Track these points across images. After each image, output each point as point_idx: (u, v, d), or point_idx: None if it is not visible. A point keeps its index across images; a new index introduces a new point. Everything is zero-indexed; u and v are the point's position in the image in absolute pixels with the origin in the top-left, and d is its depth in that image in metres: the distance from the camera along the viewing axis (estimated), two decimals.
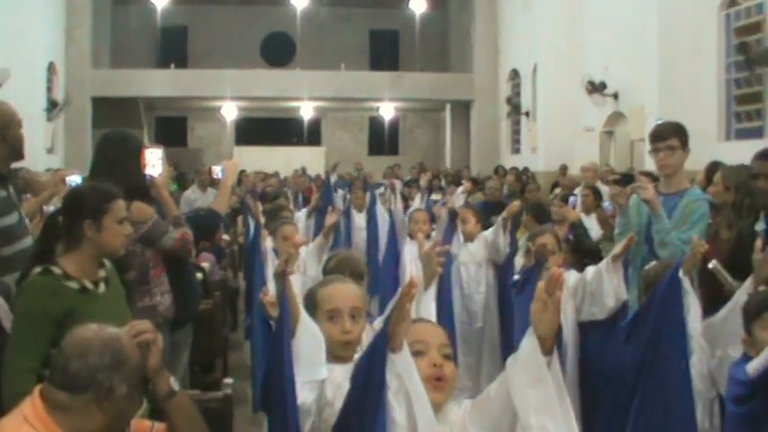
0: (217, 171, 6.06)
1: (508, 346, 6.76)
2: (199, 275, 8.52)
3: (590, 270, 5.28)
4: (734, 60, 14.58)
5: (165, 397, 3.05)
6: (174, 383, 3.07)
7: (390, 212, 10.41)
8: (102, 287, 3.85)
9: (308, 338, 3.15)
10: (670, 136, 5.57)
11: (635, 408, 4.27)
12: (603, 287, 5.13)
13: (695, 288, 5.25)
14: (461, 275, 7.81)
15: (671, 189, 5.61)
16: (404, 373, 2.47)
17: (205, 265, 8.70)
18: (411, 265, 8.02)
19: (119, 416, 2.83)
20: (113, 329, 2.87)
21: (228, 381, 4.41)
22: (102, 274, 3.89)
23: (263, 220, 8.37)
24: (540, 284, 2.59)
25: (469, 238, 8.03)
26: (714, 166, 7.24)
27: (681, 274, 4.39)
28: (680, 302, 4.47)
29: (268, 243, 7.37)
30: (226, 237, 10.79)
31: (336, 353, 3.26)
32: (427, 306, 3.70)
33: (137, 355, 2.88)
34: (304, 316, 3.19)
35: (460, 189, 14.04)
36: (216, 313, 7.39)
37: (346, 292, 3.41)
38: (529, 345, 2.58)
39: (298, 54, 30.94)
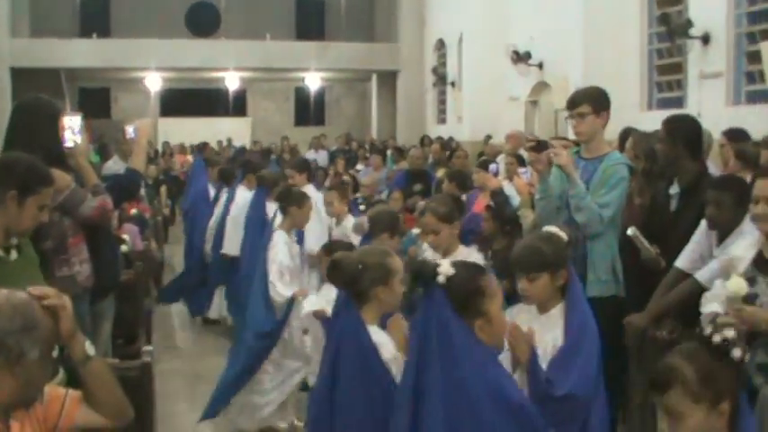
0: (130, 131, 5.99)
1: None
2: (123, 247, 8.45)
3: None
4: (656, 31, 14.76)
5: (81, 362, 3.01)
6: (90, 348, 3.03)
7: None
8: (13, 254, 3.78)
9: None
10: (581, 103, 5.62)
11: None
12: None
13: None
14: None
15: (591, 154, 5.66)
16: None
17: (126, 236, 8.61)
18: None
19: (30, 381, 2.78)
20: (24, 294, 2.81)
21: (148, 348, 4.37)
22: (13, 241, 3.81)
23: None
24: None
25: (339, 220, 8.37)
26: (626, 133, 7.32)
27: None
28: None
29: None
30: (134, 211, 10.68)
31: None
32: None
33: (49, 319, 2.83)
34: None
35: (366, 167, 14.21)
36: (138, 284, 7.32)
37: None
38: None
39: (223, 24, 30.58)
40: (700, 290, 5.04)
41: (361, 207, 9.90)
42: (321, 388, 3.69)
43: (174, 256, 15.66)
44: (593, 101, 5.60)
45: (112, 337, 6.01)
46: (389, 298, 3.76)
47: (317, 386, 3.83)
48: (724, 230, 4.96)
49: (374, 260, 3.87)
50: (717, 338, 2.84)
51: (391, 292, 3.79)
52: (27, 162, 3.97)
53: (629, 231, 5.47)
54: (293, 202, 7.02)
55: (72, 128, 5.20)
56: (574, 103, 5.67)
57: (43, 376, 2.85)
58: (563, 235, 3.98)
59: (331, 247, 7.21)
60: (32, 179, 3.84)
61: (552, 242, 3.92)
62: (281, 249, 6.78)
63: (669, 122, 5.63)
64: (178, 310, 11.59)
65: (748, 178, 6.35)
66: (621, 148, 6.90)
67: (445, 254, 5.24)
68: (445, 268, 3.06)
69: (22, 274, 3.70)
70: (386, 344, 3.67)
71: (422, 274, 3.08)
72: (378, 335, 3.69)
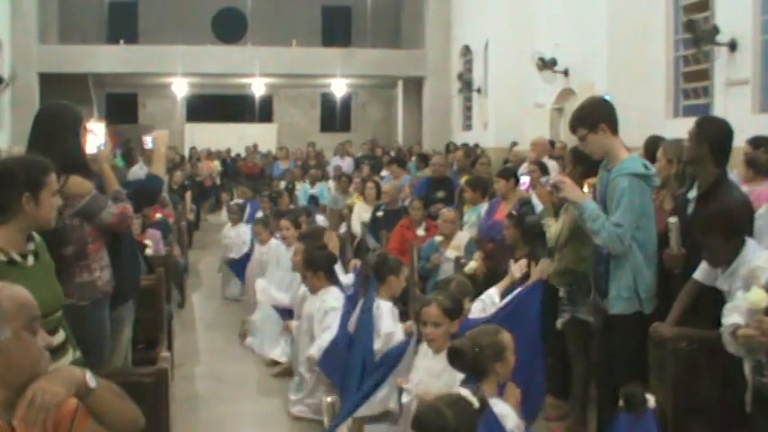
0: (147, 141, 6.05)
1: None
2: (148, 251, 8.50)
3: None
4: (682, 38, 14.66)
5: (83, 397, 3.01)
6: (91, 381, 3.02)
7: None
8: (30, 260, 3.80)
9: None
10: (575, 127, 5.61)
11: None
12: None
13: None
14: None
15: (610, 164, 5.62)
16: None
17: (148, 242, 8.65)
18: None
19: (13, 364, 2.80)
20: None
21: (165, 354, 4.38)
22: (30, 247, 3.83)
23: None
24: None
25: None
26: (652, 140, 7.25)
27: None
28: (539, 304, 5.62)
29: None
30: (158, 216, 10.74)
31: None
32: None
33: (20, 298, 2.84)
34: None
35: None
36: (159, 289, 7.34)
37: None
38: None
39: (249, 30, 30.67)
40: (702, 289, 5.04)
41: (379, 214, 9.93)
42: None
43: (199, 262, 15.74)
44: (583, 121, 5.56)
45: (134, 341, 6.05)
46: (505, 371, 4.06)
47: None
48: (727, 263, 4.93)
49: (488, 340, 4.31)
50: None
51: (506, 365, 4.17)
52: (24, 162, 4.01)
53: (671, 219, 5.43)
54: (390, 272, 6.77)
55: (95, 134, 5.24)
56: (572, 129, 5.68)
57: (28, 356, 2.84)
58: (473, 401, 3.74)
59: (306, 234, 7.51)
60: (36, 174, 3.88)
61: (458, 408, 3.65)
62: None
63: (701, 122, 5.56)
64: (201, 314, 11.64)
65: (761, 186, 6.31)
66: (648, 155, 6.82)
67: (438, 350, 5.19)
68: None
69: (38, 279, 3.71)
70: (509, 415, 4.03)
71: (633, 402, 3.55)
72: (499, 406, 4.03)
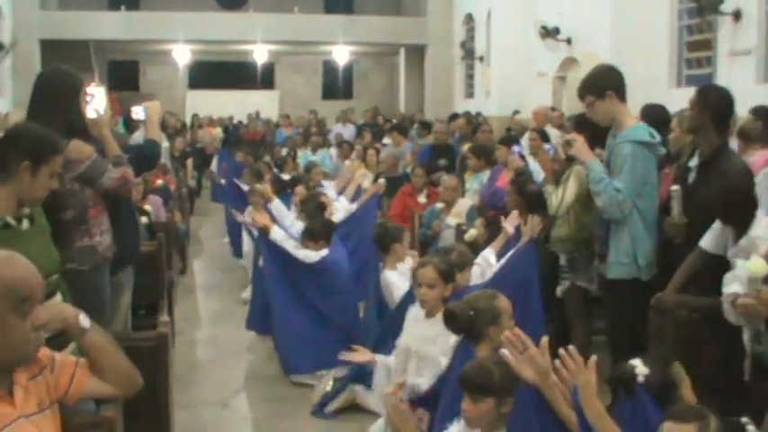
0: (138, 111, 6.01)
1: None
2: (143, 219, 8.49)
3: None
4: (686, 7, 14.59)
5: (76, 336, 3.03)
6: (84, 321, 3.03)
7: None
8: (25, 223, 3.78)
9: None
10: (583, 95, 5.67)
11: None
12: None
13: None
14: None
15: (617, 131, 5.63)
16: None
17: (148, 207, 8.65)
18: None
19: (3, 343, 2.76)
20: None
21: (165, 319, 4.39)
22: (25, 211, 3.81)
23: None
24: None
25: None
26: (648, 110, 7.19)
27: None
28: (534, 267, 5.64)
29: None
30: (160, 182, 10.73)
31: None
32: None
33: (9, 279, 2.76)
34: None
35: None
36: (160, 255, 7.34)
37: None
38: None
39: None
40: (707, 257, 5.03)
41: (381, 181, 9.95)
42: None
43: (200, 229, 15.75)
44: (591, 88, 5.62)
45: (134, 307, 6.05)
46: (500, 336, 3.90)
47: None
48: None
49: (484, 304, 4.39)
50: None
51: (501, 331, 4.03)
52: (37, 132, 3.97)
53: (673, 187, 5.44)
54: (393, 240, 6.96)
55: (95, 98, 5.22)
56: (580, 96, 5.72)
57: (10, 340, 2.77)
58: None
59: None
60: (44, 148, 3.85)
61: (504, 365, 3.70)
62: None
63: (702, 91, 5.55)
64: (202, 281, 11.66)
65: (752, 156, 6.29)
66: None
67: (429, 314, 5.26)
68: (641, 369, 3.43)
69: (33, 243, 3.69)
70: None
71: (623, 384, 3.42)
72: None
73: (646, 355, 3.59)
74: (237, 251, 11.69)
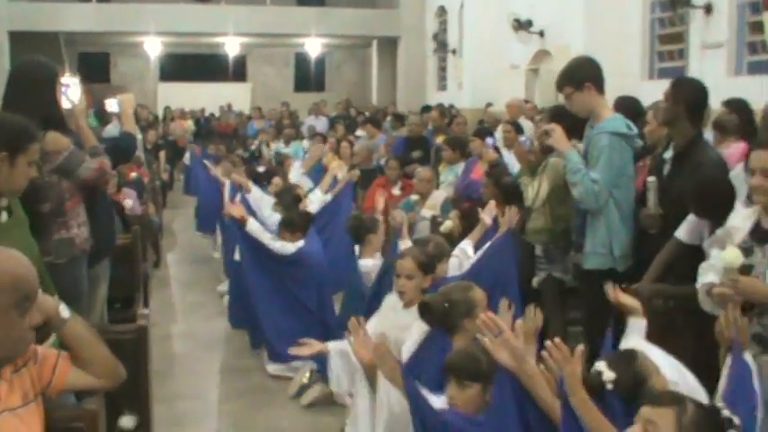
0: (112, 104, 5.99)
1: None
2: (127, 210, 8.48)
3: None
4: (658, 0, 14.68)
5: (56, 327, 3.03)
6: (64, 311, 3.03)
7: None
8: (3, 215, 3.75)
9: None
10: (562, 86, 5.74)
11: None
12: None
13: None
14: None
15: (595, 122, 5.68)
16: None
17: (129, 201, 8.62)
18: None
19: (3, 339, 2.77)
20: None
21: (144, 312, 4.38)
22: (3, 203, 3.78)
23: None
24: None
25: None
26: (621, 102, 7.20)
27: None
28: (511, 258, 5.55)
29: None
30: (134, 175, 10.69)
31: None
32: None
33: (17, 275, 2.79)
34: None
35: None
36: (135, 248, 7.32)
37: None
38: None
39: None
40: (683, 248, 5.08)
41: (354, 171, 10.00)
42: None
43: (173, 222, 15.69)
44: (570, 79, 5.68)
45: (110, 300, 6.03)
46: (475, 327, 3.91)
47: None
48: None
49: (459, 296, 4.39)
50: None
51: (475, 323, 3.97)
52: (12, 122, 3.93)
53: (649, 178, 5.48)
54: (368, 231, 7.07)
55: (69, 89, 5.19)
56: (558, 87, 5.79)
57: (9, 335, 2.80)
58: None
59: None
60: (20, 138, 3.81)
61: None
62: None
63: (677, 83, 5.60)
64: (176, 274, 11.63)
65: (728, 148, 6.33)
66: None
67: (408, 305, 5.25)
68: (608, 375, 3.34)
69: (12, 235, 3.67)
70: None
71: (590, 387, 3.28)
72: None
73: (611, 356, 3.59)
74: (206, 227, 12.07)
